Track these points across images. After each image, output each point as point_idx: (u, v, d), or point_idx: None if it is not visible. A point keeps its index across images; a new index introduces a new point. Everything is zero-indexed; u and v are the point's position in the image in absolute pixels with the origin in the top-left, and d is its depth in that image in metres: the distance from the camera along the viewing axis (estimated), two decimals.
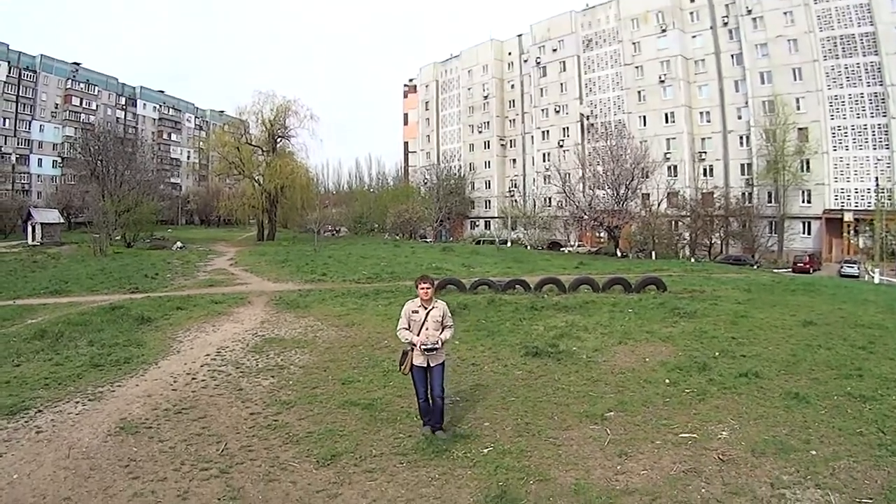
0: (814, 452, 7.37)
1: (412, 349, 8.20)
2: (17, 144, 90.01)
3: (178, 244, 55.68)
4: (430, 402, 8.32)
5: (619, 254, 54.40)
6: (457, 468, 7.38)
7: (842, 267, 45.56)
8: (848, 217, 52.60)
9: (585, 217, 58.71)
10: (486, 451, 7.81)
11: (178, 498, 6.64)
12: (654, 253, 54.25)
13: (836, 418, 8.42)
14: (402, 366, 8.36)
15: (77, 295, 22.88)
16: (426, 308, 8.23)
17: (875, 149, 52.97)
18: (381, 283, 26.48)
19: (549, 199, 73.19)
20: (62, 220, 63.25)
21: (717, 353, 12.12)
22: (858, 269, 43.95)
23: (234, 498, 6.66)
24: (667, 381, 10.52)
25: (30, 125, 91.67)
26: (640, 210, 58.69)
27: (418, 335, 8.13)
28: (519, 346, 13.16)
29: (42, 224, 57.61)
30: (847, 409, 8.71)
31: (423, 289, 8.25)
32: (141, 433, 8.38)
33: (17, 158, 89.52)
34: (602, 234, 61.94)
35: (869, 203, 51.41)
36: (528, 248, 66.62)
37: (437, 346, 8.08)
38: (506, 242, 71.61)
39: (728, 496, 6.49)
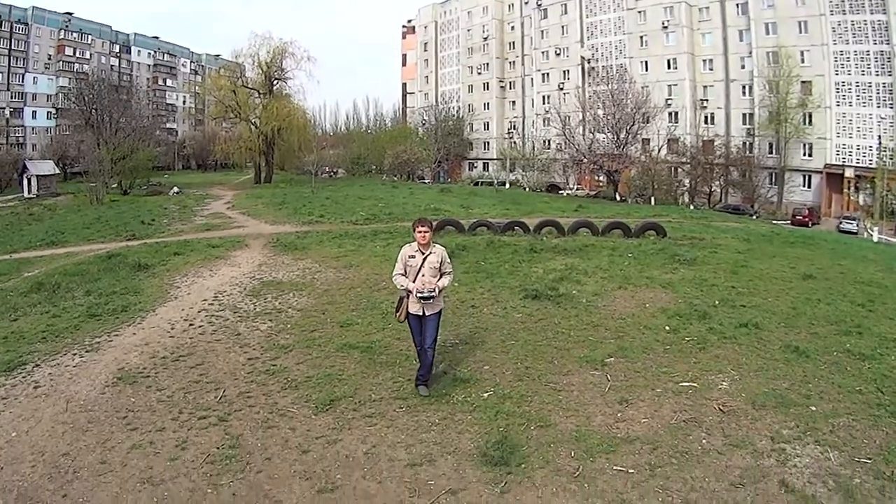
0: (814, 408, 7.21)
1: (408, 296, 7.70)
2: (11, 98, 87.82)
3: (175, 189, 55.12)
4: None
5: (617, 198, 54.00)
6: (457, 413, 7.28)
7: (841, 223, 45.18)
8: (849, 173, 51.66)
9: (585, 160, 58.21)
10: (486, 395, 7.69)
11: (177, 448, 6.53)
12: (653, 198, 53.86)
13: (835, 375, 8.21)
14: (397, 313, 7.93)
15: (73, 245, 22.73)
16: (423, 253, 7.72)
17: (879, 107, 51.63)
18: (378, 224, 26.15)
19: (549, 141, 72.17)
20: (58, 171, 62.66)
21: (717, 302, 11.84)
22: (857, 225, 43.40)
23: (233, 446, 6.54)
24: (667, 328, 10.30)
25: (23, 78, 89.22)
26: (639, 155, 58.09)
27: (414, 281, 7.64)
28: (518, 288, 12.93)
29: (37, 176, 56.93)
30: (846, 367, 8.47)
31: (420, 232, 7.70)
32: (139, 383, 8.23)
33: (10, 112, 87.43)
34: (601, 178, 61.35)
35: (871, 161, 50.28)
36: (527, 190, 65.84)
37: (433, 293, 7.57)
38: (504, 184, 70.64)
39: (729, 448, 6.39)
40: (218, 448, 6.51)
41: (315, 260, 16.87)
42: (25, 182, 57.02)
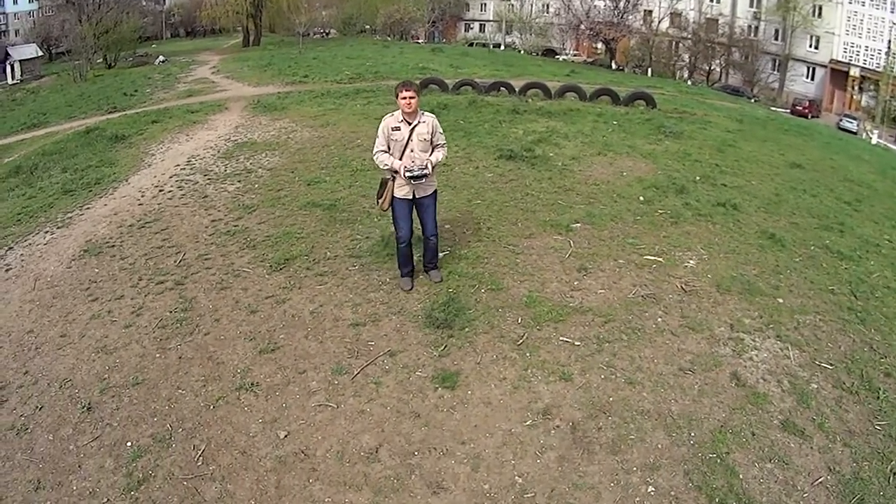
0: (781, 300, 6.71)
1: (393, 178, 6.27)
2: None
3: (161, 58, 52.34)
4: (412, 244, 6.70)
5: (613, 66, 52.16)
6: None
7: (841, 120, 42.87)
8: (854, 72, 48.17)
9: (582, 26, 55.63)
10: (441, 255, 7.28)
11: (133, 315, 6.42)
12: (650, 70, 51.69)
13: (809, 269, 7.58)
14: (380, 199, 6.41)
15: (55, 125, 21.94)
16: (410, 123, 6.15)
17: (893, 11, 46.74)
18: (363, 82, 24.88)
19: (547, 5, 68.23)
20: (41, 54, 59.80)
21: (697, 178, 11.01)
22: (858, 125, 41.35)
23: (186, 310, 6.42)
24: (641, 198, 9.68)
25: None
26: (640, 26, 55.41)
27: (401, 159, 6.18)
28: (494, 148, 12.18)
29: (20, 61, 54.28)
30: (822, 263, 7.80)
31: (405, 99, 6.04)
32: (103, 253, 7.99)
33: None
34: (599, 46, 59.00)
35: (878, 63, 46.55)
36: (522, 53, 63.05)
37: (425, 170, 6.10)
38: (499, 46, 67.80)
39: (684, 330, 6.06)
40: (171, 312, 6.39)
41: (293, 120, 16.00)
42: (8, 68, 54.22)
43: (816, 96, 50.25)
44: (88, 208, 9.93)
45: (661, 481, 4.40)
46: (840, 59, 49.81)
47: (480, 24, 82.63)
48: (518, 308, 6.31)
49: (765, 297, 6.77)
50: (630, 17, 54.93)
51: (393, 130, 6.14)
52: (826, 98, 50.30)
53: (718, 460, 4.56)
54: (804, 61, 52.23)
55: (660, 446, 4.67)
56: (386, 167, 6.21)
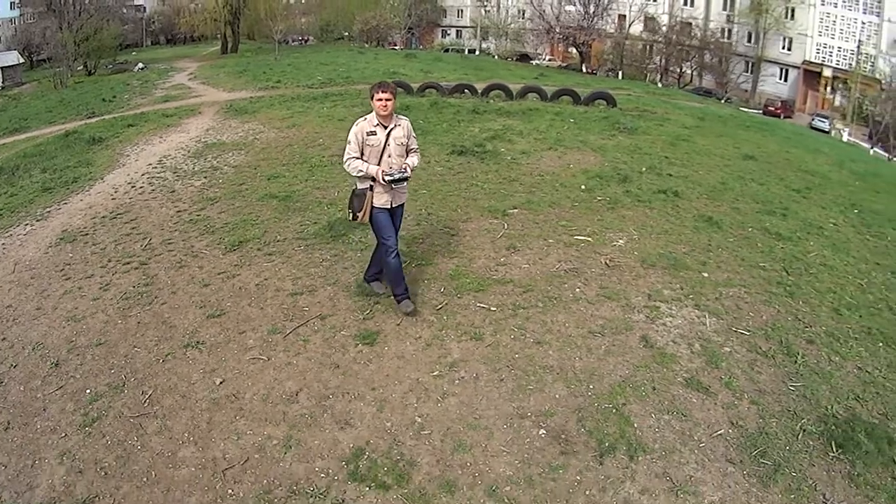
0: (706, 275, 6.92)
1: (371, 187, 5.80)
2: None
3: (140, 65, 52.60)
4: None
5: (583, 69, 52.93)
6: (348, 251, 7.60)
7: (813, 119, 43.77)
8: (827, 73, 49.12)
9: (555, 31, 56.62)
10: None
11: (101, 290, 7.03)
12: (621, 73, 52.45)
13: (742, 248, 7.78)
14: (357, 212, 5.85)
15: (35, 129, 22.33)
16: (386, 127, 5.74)
17: (864, 13, 47.66)
18: (333, 87, 25.46)
19: (523, 10, 68.97)
20: (23, 61, 59.52)
21: (643, 169, 11.19)
22: (829, 124, 42.27)
23: (147, 284, 7.04)
24: (583, 187, 10.04)
25: None
26: (613, 30, 56.54)
27: (378, 165, 5.76)
28: (448, 145, 12.70)
29: (2, 68, 53.83)
30: (758, 243, 8.00)
31: (381, 101, 5.60)
32: (77, 240, 8.59)
33: None
34: (573, 50, 59.86)
35: (850, 64, 47.35)
36: (495, 58, 63.78)
37: (405, 173, 5.74)
38: (474, 51, 68.52)
39: (600, 299, 6.37)
40: (134, 287, 7.01)
41: (261, 122, 16.56)
42: None
43: (789, 97, 51.06)
44: (66, 203, 10.51)
45: (553, 425, 4.73)
46: (813, 59, 50.63)
47: (457, 30, 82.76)
48: (443, 279, 6.82)
49: (690, 271, 7.03)
50: (600, 21, 55.80)
51: (368, 135, 5.69)
52: (799, 98, 51.12)
53: (614, 410, 4.83)
54: (777, 63, 53.07)
55: (557, 396, 4.98)
56: (360, 174, 5.73)
